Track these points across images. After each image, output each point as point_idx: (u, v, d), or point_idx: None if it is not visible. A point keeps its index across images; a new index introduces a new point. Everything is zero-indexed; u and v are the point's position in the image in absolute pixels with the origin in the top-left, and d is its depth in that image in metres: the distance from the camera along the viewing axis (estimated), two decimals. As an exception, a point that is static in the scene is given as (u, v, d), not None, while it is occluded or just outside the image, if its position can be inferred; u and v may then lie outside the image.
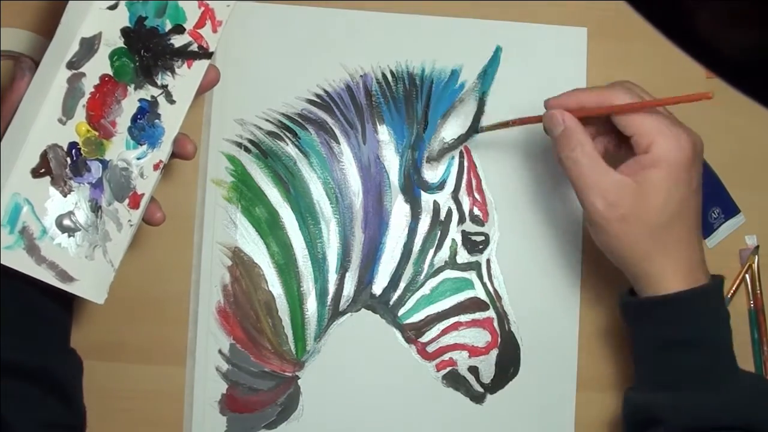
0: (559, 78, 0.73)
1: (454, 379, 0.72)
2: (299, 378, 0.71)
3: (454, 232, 0.72)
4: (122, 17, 0.57)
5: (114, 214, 0.58)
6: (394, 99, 0.73)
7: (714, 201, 0.73)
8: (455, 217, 0.73)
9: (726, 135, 0.75)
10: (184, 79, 0.60)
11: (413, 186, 0.72)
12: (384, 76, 0.73)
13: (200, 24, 0.61)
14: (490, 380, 0.72)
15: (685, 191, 0.59)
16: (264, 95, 0.72)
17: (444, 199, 0.73)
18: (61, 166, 0.55)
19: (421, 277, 0.72)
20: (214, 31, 0.61)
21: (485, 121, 0.73)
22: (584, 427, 0.72)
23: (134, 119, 0.59)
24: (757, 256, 0.74)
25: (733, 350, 0.62)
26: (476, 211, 0.73)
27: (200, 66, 0.61)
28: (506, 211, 0.73)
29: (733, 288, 0.74)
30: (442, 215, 0.73)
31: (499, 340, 0.72)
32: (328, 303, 0.71)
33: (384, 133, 0.73)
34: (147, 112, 0.59)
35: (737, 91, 0.31)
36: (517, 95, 0.73)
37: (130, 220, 0.59)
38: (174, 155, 0.62)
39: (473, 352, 0.72)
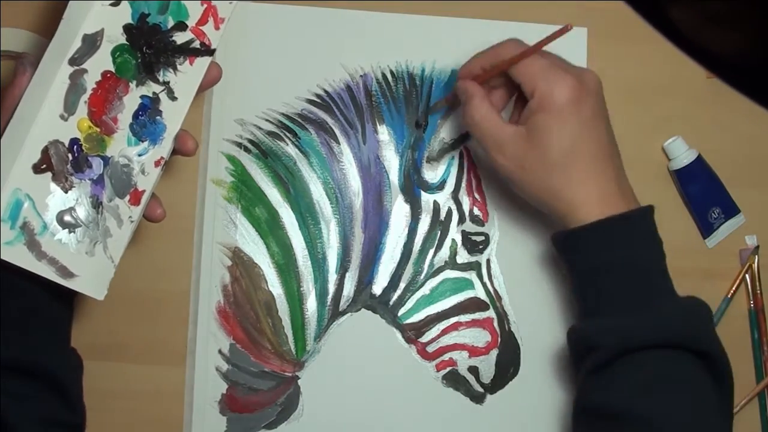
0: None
1: (454, 379, 0.72)
2: (299, 378, 0.71)
3: (454, 232, 0.72)
4: (125, 14, 0.57)
5: (115, 211, 0.58)
6: (394, 99, 0.73)
7: (714, 201, 0.73)
8: (455, 217, 0.73)
9: (726, 135, 0.75)
10: (186, 76, 0.61)
11: (413, 186, 0.72)
12: (384, 76, 0.73)
13: (203, 21, 0.61)
14: (490, 380, 0.72)
15: (576, 127, 0.61)
16: (264, 95, 0.72)
17: (444, 199, 0.73)
18: (62, 162, 0.55)
19: (421, 277, 0.72)
20: (217, 28, 0.61)
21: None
22: (584, 427, 0.72)
23: (136, 116, 0.59)
24: (757, 256, 0.74)
25: (666, 273, 0.63)
26: (476, 211, 0.73)
27: (202, 63, 0.61)
28: (506, 211, 0.73)
29: (733, 288, 0.74)
30: (442, 215, 0.73)
31: (499, 340, 0.72)
32: (328, 303, 0.71)
33: (384, 133, 0.73)
34: (148, 108, 0.59)
35: (737, 91, 0.32)
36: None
37: (130, 217, 0.59)
38: (175, 152, 0.62)
39: (473, 352, 0.72)
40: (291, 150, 0.72)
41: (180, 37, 0.60)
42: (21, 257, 0.54)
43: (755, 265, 0.74)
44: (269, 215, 0.71)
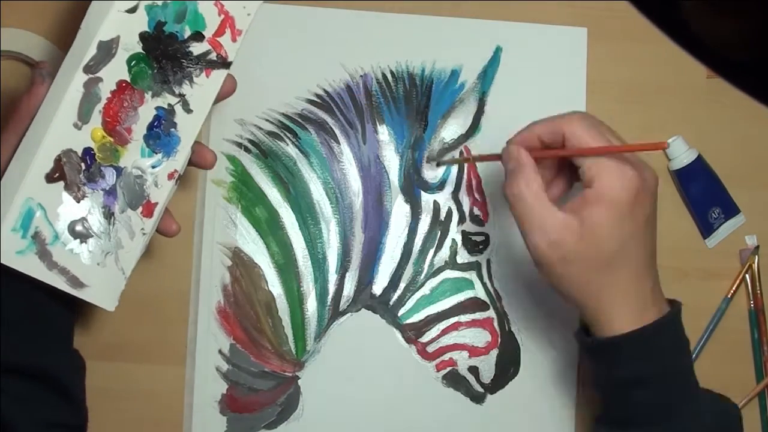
0: (559, 78, 0.73)
1: (454, 379, 0.72)
2: (299, 378, 0.71)
3: (454, 232, 0.72)
4: (141, 22, 0.56)
5: (127, 222, 0.58)
6: (394, 99, 0.73)
7: (714, 201, 0.73)
8: (455, 217, 0.73)
9: (726, 135, 0.75)
10: (202, 89, 0.60)
11: (413, 186, 0.72)
12: (384, 76, 0.73)
13: (220, 32, 0.60)
14: (490, 380, 0.72)
15: (631, 228, 0.57)
16: (264, 95, 0.72)
17: (444, 199, 0.73)
18: (75, 171, 0.55)
19: (421, 277, 0.72)
20: (234, 40, 0.60)
21: (485, 122, 0.73)
22: (584, 427, 0.72)
23: (150, 127, 0.58)
24: (757, 256, 0.74)
25: (691, 376, 0.61)
26: (476, 211, 0.73)
27: (218, 76, 0.60)
28: (506, 211, 0.73)
29: (733, 288, 0.74)
30: (442, 215, 0.73)
31: (499, 340, 0.72)
32: (328, 303, 0.71)
33: (384, 133, 0.73)
34: (163, 120, 0.58)
35: (738, 90, 0.32)
36: (517, 95, 0.73)
37: (143, 229, 0.59)
38: (192, 163, 0.62)
39: (473, 352, 0.72)
40: (291, 150, 0.72)
41: (197, 48, 0.59)
42: (32, 267, 0.54)
43: (755, 265, 0.74)
44: (269, 215, 0.71)
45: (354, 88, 0.73)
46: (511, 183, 0.59)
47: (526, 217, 0.58)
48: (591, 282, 0.58)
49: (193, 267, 0.71)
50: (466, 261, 0.72)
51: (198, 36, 0.59)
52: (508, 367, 0.72)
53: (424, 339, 0.72)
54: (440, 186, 0.73)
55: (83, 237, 0.56)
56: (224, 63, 0.60)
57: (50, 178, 0.54)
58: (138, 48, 0.56)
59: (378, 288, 0.72)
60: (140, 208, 0.59)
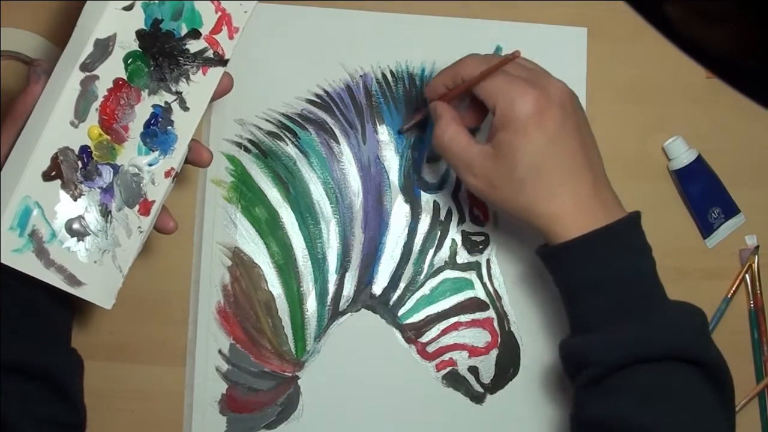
0: (559, 78, 0.73)
1: (454, 379, 0.72)
2: (299, 378, 0.71)
3: (454, 232, 0.72)
4: (138, 19, 0.56)
5: (124, 220, 0.58)
6: (394, 99, 0.73)
7: (714, 201, 0.73)
8: (455, 217, 0.73)
9: (726, 135, 0.75)
10: (199, 86, 0.60)
11: (413, 186, 0.72)
12: (384, 76, 0.73)
13: (216, 29, 0.60)
14: (490, 380, 0.72)
15: (541, 139, 0.59)
16: (264, 95, 0.72)
17: (444, 199, 0.73)
18: (72, 169, 0.55)
19: (421, 277, 0.72)
20: (231, 37, 0.60)
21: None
22: (584, 427, 0.72)
23: (147, 125, 0.58)
24: (757, 256, 0.74)
25: (656, 282, 0.62)
26: (476, 211, 0.73)
27: (215, 73, 0.60)
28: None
29: (733, 288, 0.74)
30: (442, 215, 0.73)
31: (499, 340, 0.72)
32: (328, 303, 0.71)
33: (384, 133, 0.73)
34: (160, 118, 0.58)
35: (736, 91, 0.32)
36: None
37: (140, 227, 0.59)
38: (188, 162, 0.62)
39: (473, 352, 0.72)
40: (291, 150, 0.72)
41: (193, 45, 0.59)
42: (29, 265, 0.54)
43: (755, 265, 0.74)
44: (269, 215, 0.71)
45: (354, 88, 0.73)
46: (434, 134, 0.64)
47: (453, 159, 0.63)
48: (521, 198, 0.61)
49: (193, 267, 0.71)
50: (465, 261, 0.72)
51: (195, 33, 0.59)
52: (508, 367, 0.72)
53: (424, 339, 0.72)
54: (440, 186, 0.73)
55: (80, 235, 0.56)
56: (221, 60, 0.60)
57: (47, 177, 0.54)
58: (134, 46, 0.56)
59: (378, 288, 0.72)
60: (137, 206, 0.59)
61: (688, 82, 0.75)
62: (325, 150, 0.72)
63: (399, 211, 0.72)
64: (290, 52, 0.73)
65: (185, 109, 0.59)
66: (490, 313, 0.72)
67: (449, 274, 0.72)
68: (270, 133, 0.72)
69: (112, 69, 0.56)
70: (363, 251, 0.72)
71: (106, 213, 0.57)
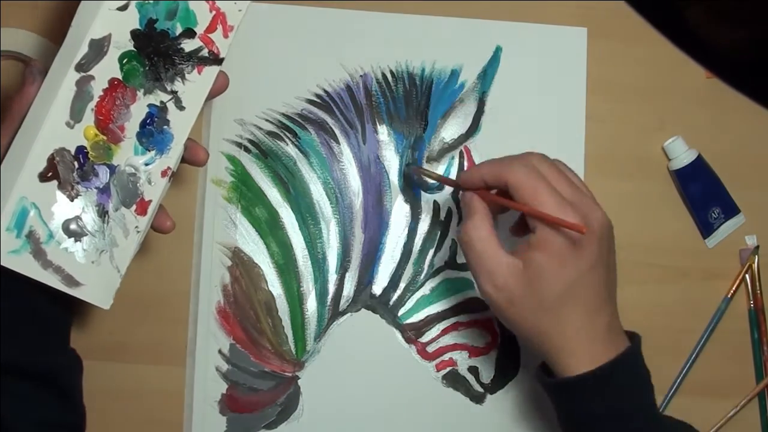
0: (559, 78, 0.73)
1: (454, 379, 0.72)
2: (299, 378, 0.71)
3: (454, 232, 0.72)
4: (132, 19, 0.56)
5: (121, 220, 0.58)
6: (394, 99, 0.73)
7: (714, 201, 0.73)
8: (455, 217, 0.73)
9: (726, 135, 0.75)
10: (194, 86, 0.60)
11: (413, 186, 0.72)
12: (384, 76, 0.73)
13: (211, 28, 0.60)
14: (490, 380, 0.72)
15: (575, 272, 0.57)
16: (264, 95, 0.72)
17: (444, 199, 0.73)
18: (68, 170, 0.55)
19: (421, 277, 0.72)
20: (225, 36, 0.60)
21: (485, 122, 0.73)
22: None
23: (143, 125, 0.58)
24: (757, 256, 0.74)
25: (652, 409, 0.61)
26: (476, 211, 0.73)
27: (210, 72, 0.60)
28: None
29: (733, 288, 0.74)
30: (442, 215, 0.73)
31: (499, 340, 0.72)
32: (328, 303, 0.72)
33: (384, 133, 0.73)
34: (156, 117, 0.59)
35: (736, 91, 0.32)
36: (517, 95, 0.73)
37: (137, 227, 0.59)
38: (184, 161, 0.62)
39: (473, 352, 0.72)
40: (291, 150, 0.72)
41: (188, 45, 0.59)
42: (27, 266, 0.54)
43: (755, 265, 0.74)
44: (269, 215, 0.71)
45: (354, 88, 0.73)
46: (462, 227, 0.61)
47: (474, 262, 0.60)
48: (539, 323, 0.58)
49: (193, 267, 0.71)
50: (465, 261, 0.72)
51: (189, 33, 0.59)
52: (508, 367, 0.72)
53: (424, 339, 0.72)
54: (440, 186, 0.73)
55: (77, 235, 0.56)
56: (216, 59, 0.60)
57: (44, 177, 0.54)
58: (129, 46, 0.56)
59: (378, 288, 0.72)
60: (134, 206, 0.59)
61: (688, 82, 0.75)
62: (325, 150, 0.72)
63: (399, 211, 0.72)
64: (290, 52, 0.73)
65: (181, 108, 0.60)
66: (490, 313, 0.72)
67: (449, 274, 0.72)
68: (270, 133, 0.72)
69: (108, 69, 0.56)
70: (363, 251, 0.72)
71: (103, 213, 0.57)
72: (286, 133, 0.72)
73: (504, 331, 0.72)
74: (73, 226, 0.56)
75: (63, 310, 0.62)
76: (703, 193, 0.73)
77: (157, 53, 0.58)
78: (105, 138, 0.57)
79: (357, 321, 0.72)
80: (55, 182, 0.55)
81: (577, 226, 0.56)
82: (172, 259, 0.71)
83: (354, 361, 0.71)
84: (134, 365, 0.70)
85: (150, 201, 0.59)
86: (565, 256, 0.57)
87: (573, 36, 0.74)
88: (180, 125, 0.60)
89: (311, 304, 0.71)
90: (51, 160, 0.54)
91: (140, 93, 0.58)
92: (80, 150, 0.56)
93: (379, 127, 0.72)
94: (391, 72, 0.73)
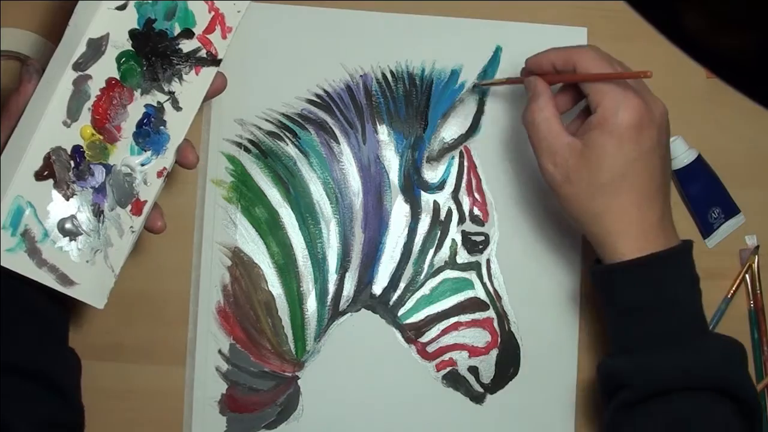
0: (559, 78, 0.73)
1: (454, 379, 0.72)
2: (299, 378, 0.71)
3: (454, 232, 0.72)
4: (131, 19, 0.56)
5: (116, 220, 0.58)
6: (394, 99, 0.73)
7: (714, 201, 0.73)
8: (455, 217, 0.73)
9: (726, 135, 0.75)
10: (192, 86, 0.60)
11: (413, 186, 0.72)
12: (384, 76, 0.73)
13: (210, 29, 0.60)
14: (490, 380, 0.72)
15: (633, 154, 0.59)
16: (264, 95, 0.72)
17: (444, 199, 0.73)
18: (64, 169, 0.55)
19: (421, 277, 0.72)
20: (224, 37, 0.60)
21: (485, 122, 0.73)
22: (584, 427, 0.72)
23: (140, 125, 0.58)
24: (757, 256, 0.74)
25: (701, 312, 0.62)
26: (476, 211, 0.73)
27: (208, 73, 0.60)
28: (506, 211, 0.73)
29: (733, 288, 0.74)
30: (442, 215, 0.72)
31: (499, 340, 0.72)
32: (328, 303, 0.71)
33: (384, 133, 0.72)
34: (153, 118, 0.58)
35: (737, 91, 0.32)
36: (517, 95, 0.73)
37: (132, 227, 0.59)
38: (175, 163, 0.62)
39: (473, 352, 0.72)
40: (291, 150, 0.72)
41: (186, 45, 0.59)
42: (22, 264, 0.54)
43: (755, 265, 0.74)
44: (269, 215, 0.71)
45: (354, 88, 0.72)
46: (527, 110, 0.63)
47: (537, 141, 0.62)
48: (593, 204, 0.60)
49: (193, 267, 0.71)
50: (465, 261, 0.72)
51: (188, 33, 0.59)
52: (508, 367, 0.72)
53: (424, 339, 0.72)
54: (440, 186, 0.73)
55: (72, 235, 0.56)
56: (214, 60, 0.60)
57: (39, 176, 0.54)
58: (127, 45, 0.56)
59: (378, 288, 0.72)
60: (129, 206, 0.59)
61: (688, 82, 0.75)
62: (325, 150, 0.72)
63: (399, 211, 0.72)
64: (290, 52, 0.73)
65: (178, 109, 0.60)
66: (490, 313, 0.72)
67: (449, 274, 0.72)
68: (270, 133, 0.72)
69: (105, 69, 0.56)
70: (363, 251, 0.72)
71: (98, 213, 0.57)
72: (286, 133, 0.72)
73: (504, 331, 0.72)
74: (68, 225, 0.56)
75: (61, 309, 0.62)
76: (703, 193, 0.73)
77: (155, 53, 0.57)
78: (101, 137, 0.56)
79: (357, 321, 0.72)
80: (51, 181, 0.55)
81: (642, 72, 0.58)
82: (172, 259, 0.71)
83: (354, 361, 0.71)
84: (134, 365, 0.70)
85: (145, 201, 0.59)
86: (623, 137, 0.59)
87: (573, 36, 0.74)
88: (177, 126, 0.60)
89: (311, 304, 0.71)
90: (47, 159, 0.54)
91: (137, 93, 0.58)
92: (77, 149, 0.56)
93: (379, 127, 0.72)
94: (391, 72, 0.73)
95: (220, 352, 0.70)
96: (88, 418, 0.62)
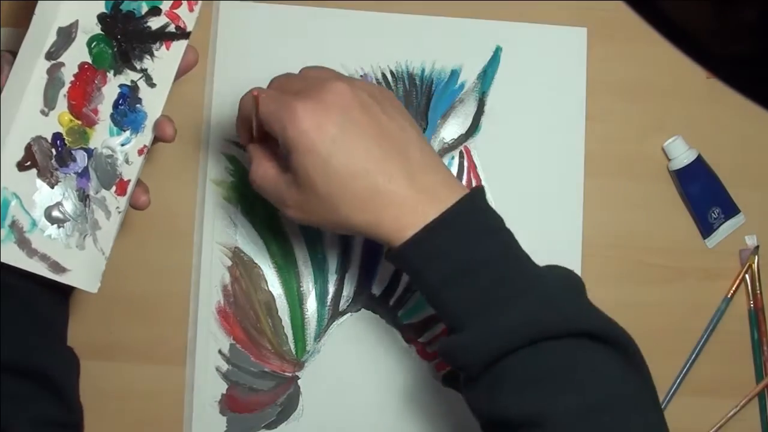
0: (559, 78, 0.73)
1: (455, 379, 0.72)
2: (299, 378, 0.71)
3: (454, 232, 0.72)
4: (98, 3, 0.57)
5: (102, 202, 0.59)
6: (394, 99, 0.73)
7: (714, 201, 0.73)
8: (455, 217, 0.72)
9: (726, 135, 0.75)
10: (163, 62, 0.60)
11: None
12: (384, 76, 0.73)
13: (176, 4, 0.60)
14: (490, 380, 0.72)
15: (324, 152, 0.54)
16: (264, 95, 0.72)
17: (444, 199, 0.72)
18: (46, 157, 0.55)
19: (421, 277, 0.72)
20: (191, 10, 0.61)
21: (485, 122, 0.73)
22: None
23: (116, 105, 0.59)
24: (757, 256, 0.74)
25: (511, 256, 0.56)
26: (476, 211, 0.73)
27: (179, 47, 0.61)
28: (505, 211, 0.73)
29: (733, 288, 0.74)
30: (442, 215, 0.72)
31: (499, 340, 0.72)
32: (328, 303, 0.72)
33: (384, 133, 0.72)
34: (128, 97, 0.59)
35: (736, 91, 0.32)
36: (517, 95, 0.73)
37: (118, 207, 0.60)
38: (155, 139, 0.62)
39: (473, 352, 0.72)
40: (291, 150, 0.72)
41: (155, 23, 0.60)
42: (13, 256, 0.54)
43: (755, 265, 0.74)
44: (269, 215, 0.71)
45: (354, 88, 0.72)
46: (249, 177, 0.60)
47: (270, 199, 0.59)
48: (335, 214, 0.56)
49: (193, 267, 0.71)
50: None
51: (155, 11, 0.59)
52: (508, 367, 0.72)
53: (424, 339, 0.72)
54: (440, 186, 0.72)
55: (60, 222, 0.56)
56: (183, 34, 0.61)
57: (22, 167, 0.55)
58: (97, 29, 0.57)
59: (378, 288, 0.72)
60: (114, 187, 0.59)
61: (688, 82, 0.75)
62: (325, 150, 0.72)
63: (399, 211, 0.72)
64: (291, 52, 0.73)
65: (152, 85, 0.60)
66: (490, 313, 0.72)
67: (449, 274, 0.72)
68: (270, 133, 0.72)
69: (77, 54, 0.56)
70: (363, 251, 0.72)
71: (83, 197, 0.57)
72: (286, 133, 0.72)
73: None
74: (55, 213, 0.56)
75: (58, 307, 0.62)
76: (703, 193, 0.73)
77: (124, 34, 0.58)
78: (80, 122, 0.57)
79: (357, 321, 0.72)
80: (34, 171, 0.55)
81: (254, 90, 0.56)
82: (172, 259, 0.71)
83: (354, 361, 0.71)
84: (134, 365, 0.70)
85: (129, 180, 0.60)
86: (310, 143, 0.54)
87: (573, 36, 0.74)
88: (152, 102, 0.60)
89: (311, 304, 0.71)
90: (28, 149, 0.55)
91: (110, 74, 0.58)
92: (57, 136, 0.56)
93: (379, 127, 0.72)
94: (391, 72, 0.73)
95: (220, 352, 0.70)
96: (88, 418, 0.62)
